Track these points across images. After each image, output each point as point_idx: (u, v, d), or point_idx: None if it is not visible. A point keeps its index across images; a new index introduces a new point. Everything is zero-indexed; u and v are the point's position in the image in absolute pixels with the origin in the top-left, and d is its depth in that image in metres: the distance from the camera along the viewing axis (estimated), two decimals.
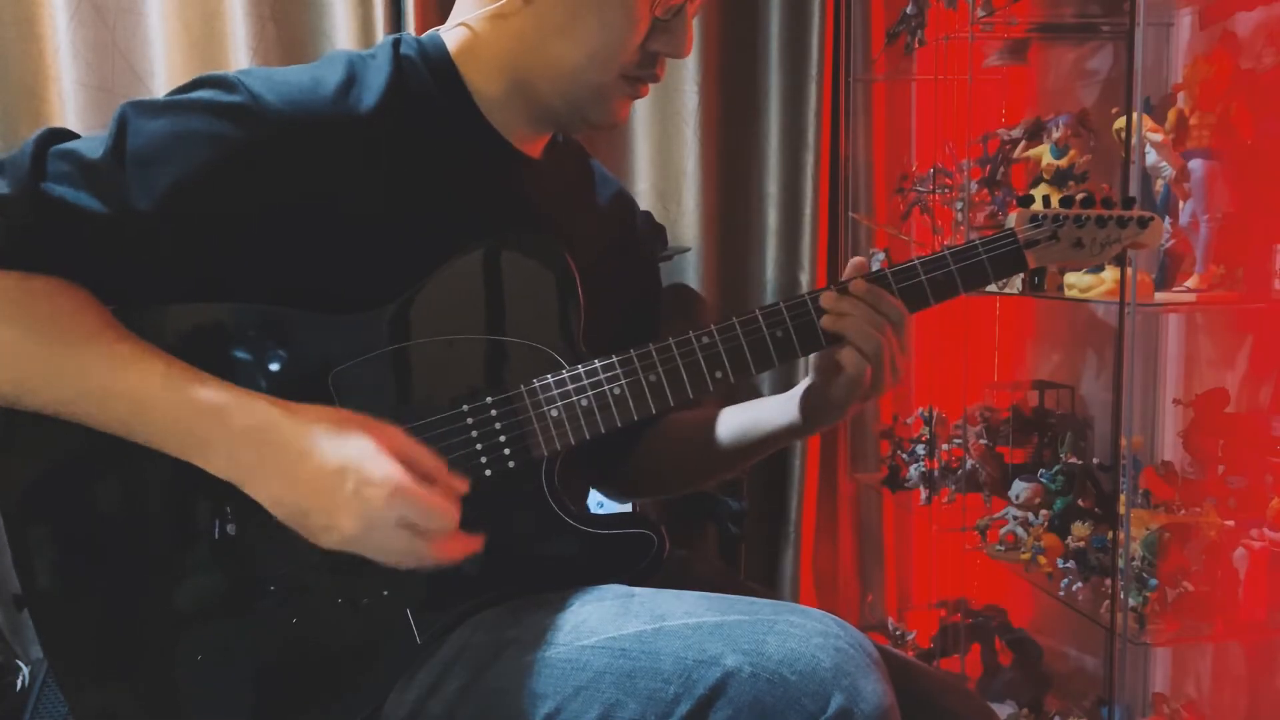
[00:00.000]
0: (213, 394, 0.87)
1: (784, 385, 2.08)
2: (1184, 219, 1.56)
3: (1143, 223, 1.08)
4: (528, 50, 0.98)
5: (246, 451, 0.86)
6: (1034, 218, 1.05)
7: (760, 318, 0.99)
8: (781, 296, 2.35)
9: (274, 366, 0.94)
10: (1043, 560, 1.81)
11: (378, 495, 0.84)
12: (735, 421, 1.14)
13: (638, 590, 0.94)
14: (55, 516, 0.94)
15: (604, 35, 0.96)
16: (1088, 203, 1.06)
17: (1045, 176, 1.82)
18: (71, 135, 0.93)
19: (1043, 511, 1.87)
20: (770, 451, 1.15)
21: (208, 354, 0.91)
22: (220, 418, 0.86)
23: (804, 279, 2.38)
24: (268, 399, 0.88)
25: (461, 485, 0.90)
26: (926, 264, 1.02)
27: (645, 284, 1.24)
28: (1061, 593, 1.72)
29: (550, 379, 0.96)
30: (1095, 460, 1.93)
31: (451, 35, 1.02)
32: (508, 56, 0.99)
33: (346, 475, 0.85)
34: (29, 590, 0.93)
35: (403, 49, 1.00)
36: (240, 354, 0.94)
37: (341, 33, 2.12)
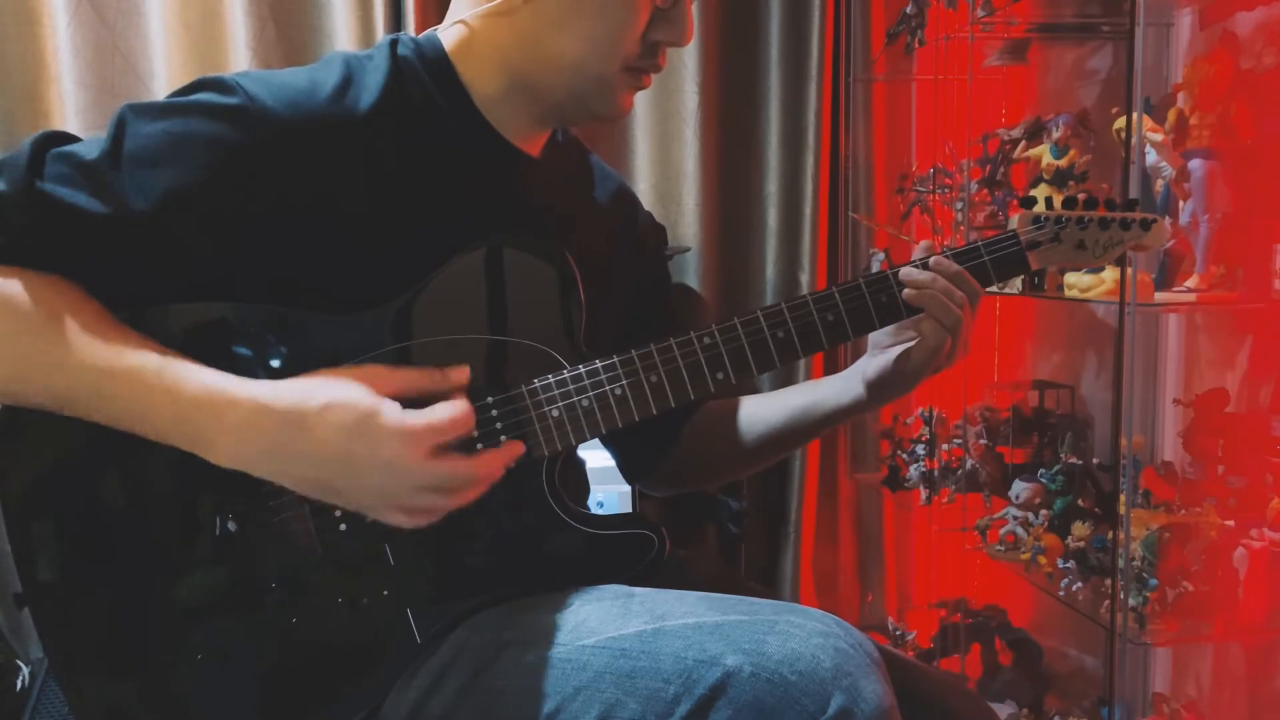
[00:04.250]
0: (209, 385, 0.87)
1: (784, 384, 2.08)
2: (1184, 219, 1.56)
3: (1145, 224, 1.08)
4: (528, 46, 0.98)
5: (248, 438, 0.86)
6: (1036, 219, 1.05)
7: (761, 317, 0.99)
8: (782, 297, 2.37)
9: (272, 367, 0.94)
10: (1043, 560, 1.81)
11: (395, 445, 0.85)
12: (789, 405, 1.15)
13: (638, 590, 0.94)
14: (56, 514, 0.94)
15: (605, 27, 0.96)
16: (1090, 204, 1.06)
17: (1045, 176, 1.82)
18: (70, 138, 0.93)
19: (1043, 511, 1.87)
20: (824, 432, 1.17)
21: (207, 354, 0.91)
22: (218, 408, 0.86)
23: (804, 279, 2.38)
24: (261, 383, 0.88)
25: (460, 376, 0.91)
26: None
27: (651, 278, 1.23)
28: (1061, 593, 1.72)
29: (551, 379, 0.96)
30: (1095, 460, 1.92)
31: (449, 34, 1.02)
32: (507, 53, 0.99)
33: (357, 439, 0.85)
34: (30, 588, 0.94)
35: (400, 49, 1.00)
36: (239, 354, 0.94)
37: (341, 33, 2.12)
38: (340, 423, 0.85)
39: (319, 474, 0.86)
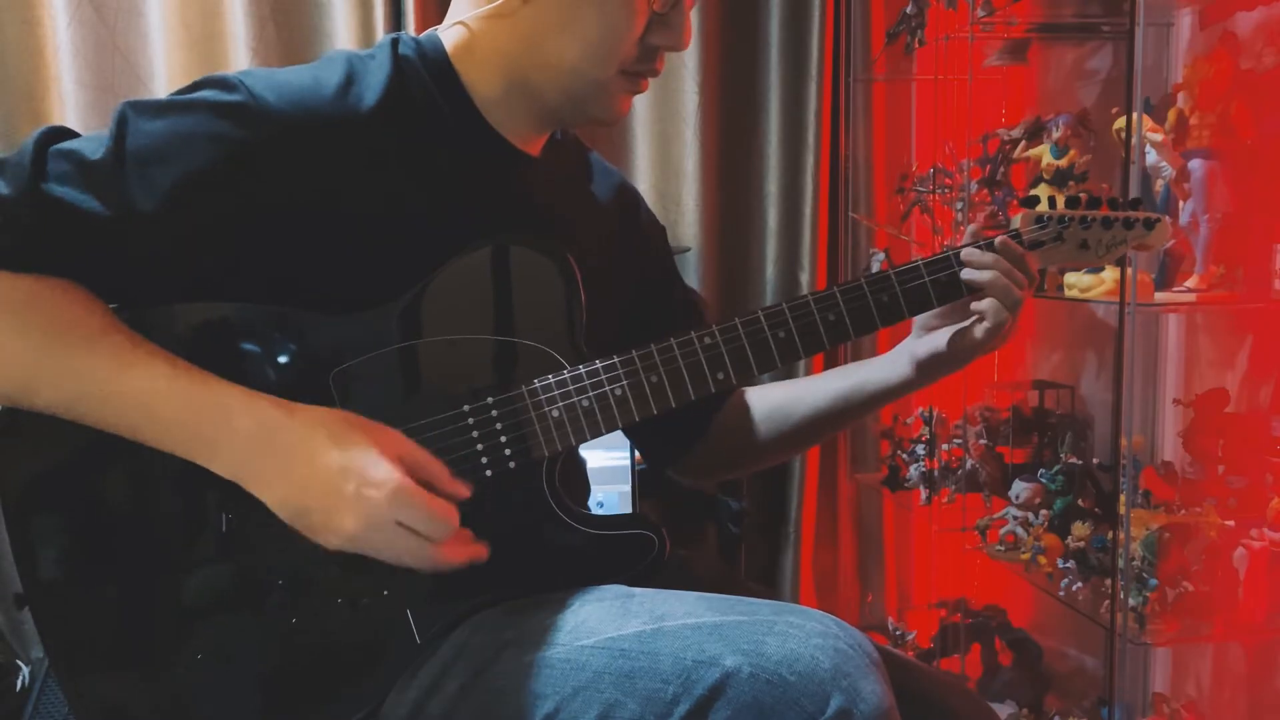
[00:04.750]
0: (217, 394, 0.87)
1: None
2: (1184, 219, 1.56)
3: (1149, 224, 1.07)
4: (527, 48, 0.98)
5: (250, 452, 0.86)
6: (1039, 218, 1.05)
7: (762, 317, 0.99)
8: (782, 296, 2.37)
9: (274, 366, 0.95)
10: (1043, 560, 1.81)
11: (378, 496, 0.85)
12: (834, 387, 1.15)
13: (637, 590, 0.94)
14: (56, 513, 0.94)
15: (603, 31, 0.96)
16: (1093, 203, 1.06)
17: (1045, 176, 1.82)
18: (71, 134, 0.93)
19: (1043, 511, 1.87)
20: (870, 413, 1.18)
21: (209, 353, 0.91)
22: (224, 418, 0.86)
23: (804, 279, 2.38)
24: (271, 400, 0.88)
25: (463, 490, 0.90)
26: (930, 265, 1.02)
27: (655, 276, 1.23)
28: (1061, 593, 1.72)
29: (551, 379, 0.96)
30: (1095, 460, 1.92)
31: (449, 35, 1.02)
32: (506, 55, 0.99)
33: (348, 476, 0.85)
34: (30, 588, 0.94)
35: (401, 49, 1.00)
36: (240, 353, 0.94)
37: (341, 33, 2.12)
38: (340, 456, 0.85)
39: (301, 501, 0.86)
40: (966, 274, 1.02)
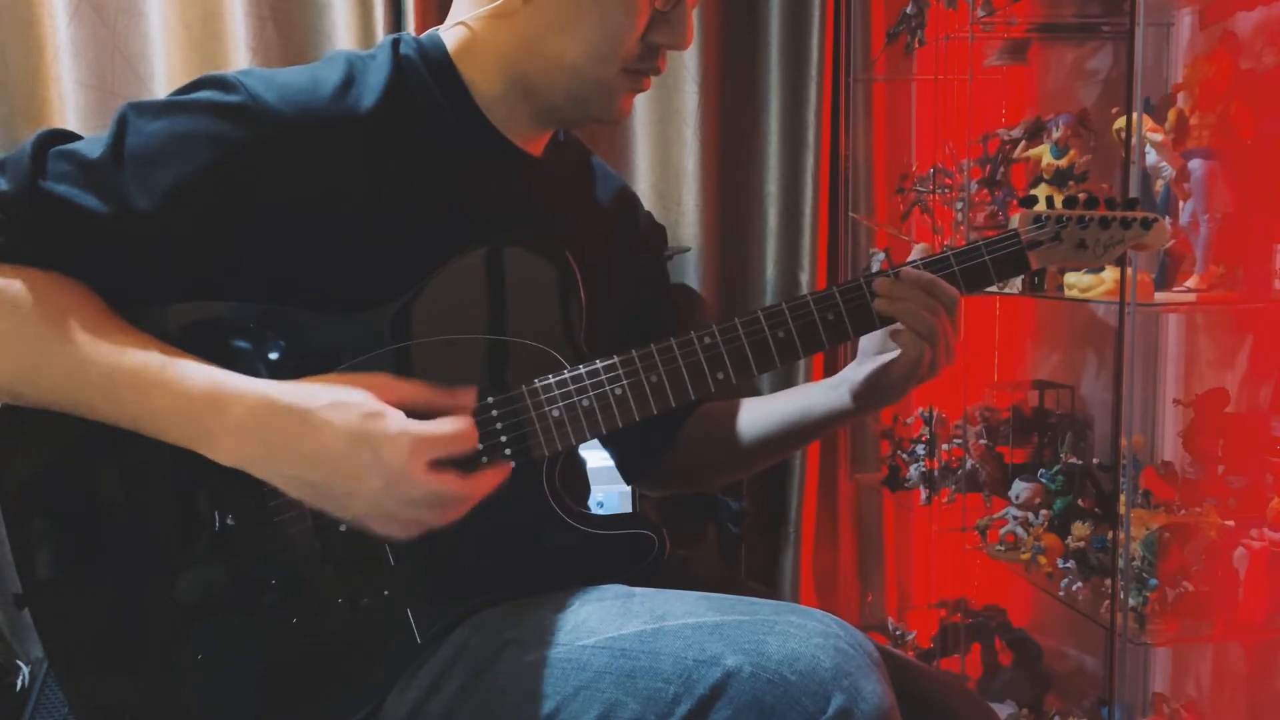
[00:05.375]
0: (214, 383, 0.87)
1: (785, 384, 2.08)
2: (1184, 219, 1.56)
3: (1146, 224, 1.07)
4: (528, 47, 0.98)
5: (252, 437, 0.86)
6: (1037, 218, 1.05)
7: (762, 317, 0.99)
8: (782, 296, 2.37)
9: (273, 366, 0.94)
10: (1043, 560, 1.81)
11: (396, 453, 0.85)
12: (782, 410, 1.15)
13: (638, 590, 0.94)
14: (55, 513, 0.94)
15: (604, 29, 0.96)
16: (1091, 203, 1.06)
17: (1045, 176, 1.82)
18: (72, 136, 0.93)
19: (1043, 511, 1.87)
20: (816, 438, 1.17)
21: (208, 353, 0.91)
22: (222, 407, 0.86)
23: (804, 279, 2.38)
24: (267, 383, 0.88)
25: (467, 397, 0.91)
26: (928, 265, 1.02)
27: (652, 279, 1.24)
28: (1061, 593, 1.72)
29: (551, 379, 0.96)
30: (1095, 460, 1.92)
31: (450, 35, 1.02)
32: (508, 55, 0.99)
33: (360, 442, 0.85)
34: (29, 587, 0.94)
35: (402, 49, 1.00)
36: (239, 353, 0.94)
37: (341, 33, 2.12)
38: (345, 424, 0.85)
39: (317, 477, 0.86)
40: (877, 304, 1.00)
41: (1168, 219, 1.57)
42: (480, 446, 0.94)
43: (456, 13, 1.03)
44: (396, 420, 0.86)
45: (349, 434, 0.85)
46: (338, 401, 0.86)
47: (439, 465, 0.86)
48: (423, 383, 0.91)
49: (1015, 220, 1.05)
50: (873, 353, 1.06)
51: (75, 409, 0.88)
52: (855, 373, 1.07)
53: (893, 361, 1.02)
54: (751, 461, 1.22)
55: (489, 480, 0.90)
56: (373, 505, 0.86)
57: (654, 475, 1.25)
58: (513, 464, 0.93)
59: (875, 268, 2.38)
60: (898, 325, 1.00)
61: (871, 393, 1.06)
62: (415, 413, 0.88)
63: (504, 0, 0.97)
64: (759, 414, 1.17)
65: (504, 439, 0.95)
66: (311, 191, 0.93)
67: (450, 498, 0.87)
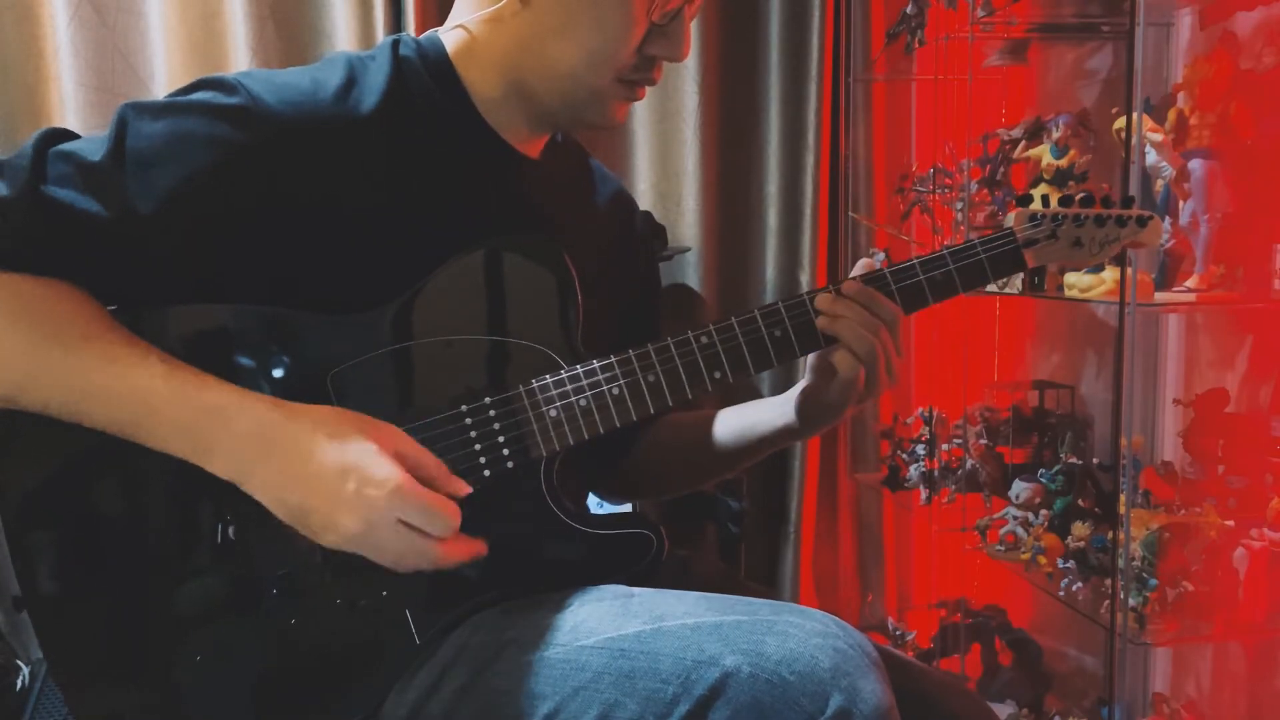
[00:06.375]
0: (215, 395, 0.87)
1: (784, 385, 2.08)
2: (1184, 219, 1.56)
3: (1141, 221, 1.08)
4: (525, 52, 0.98)
5: (248, 452, 0.86)
6: (1033, 217, 1.05)
7: (759, 318, 0.99)
8: (781, 296, 2.36)
9: (273, 367, 0.95)
10: (1043, 560, 1.81)
11: (378, 495, 0.85)
12: (732, 424, 1.15)
13: (637, 590, 0.94)
14: (54, 517, 0.94)
15: (600, 38, 0.96)
16: (1087, 202, 1.06)
17: (1045, 176, 1.82)
18: (71, 135, 0.93)
19: (1043, 511, 1.87)
20: (768, 453, 1.15)
21: (207, 355, 0.91)
22: (222, 419, 0.86)
23: (804, 279, 2.38)
24: (269, 400, 0.88)
25: (462, 488, 0.90)
26: (925, 263, 1.02)
27: (645, 283, 1.24)
28: (1061, 593, 1.72)
29: (549, 379, 0.96)
30: (1095, 460, 1.92)
31: (450, 36, 1.02)
32: (505, 58, 0.99)
33: (348, 475, 0.85)
34: (28, 590, 0.94)
35: (402, 50, 1.00)
36: (239, 355, 0.94)
37: (341, 33, 2.12)
38: (337, 457, 0.85)
39: (301, 502, 0.86)
40: (819, 321, 0.98)
41: (1166, 219, 1.57)
42: (478, 447, 0.94)
43: (456, 14, 1.03)
44: (389, 467, 0.86)
45: (340, 465, 0.85)
46: (341, 434, 0.86)
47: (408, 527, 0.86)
48: (429, 456, 0.90)
49: (1011, 218, 1.05)
50: (817, 368, 1.04)
51: (73, 417, 0.88)
52: (802, 390, 1.06)
53: (831, 381, 1.01)
54: (703, 474, 1.22)
55: (460, 550, 0.89)
56: (346, 540, 0.86)
57: (610, 484, 1.25)
58: (483, 545, 0.91)
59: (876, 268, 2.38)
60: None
61: (812, 411, 1.05)
62: (415, 474, 0.88)
63: (502, 4, 0.97)
64: (714, 427, 1.16)
65: (502, 439, 0.95)
66: (312, 192, 0.93)
67: (413, 557, 0.87)
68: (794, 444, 1.88)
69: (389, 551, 0.87)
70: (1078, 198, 1.06)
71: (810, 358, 1.03)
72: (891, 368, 0.99)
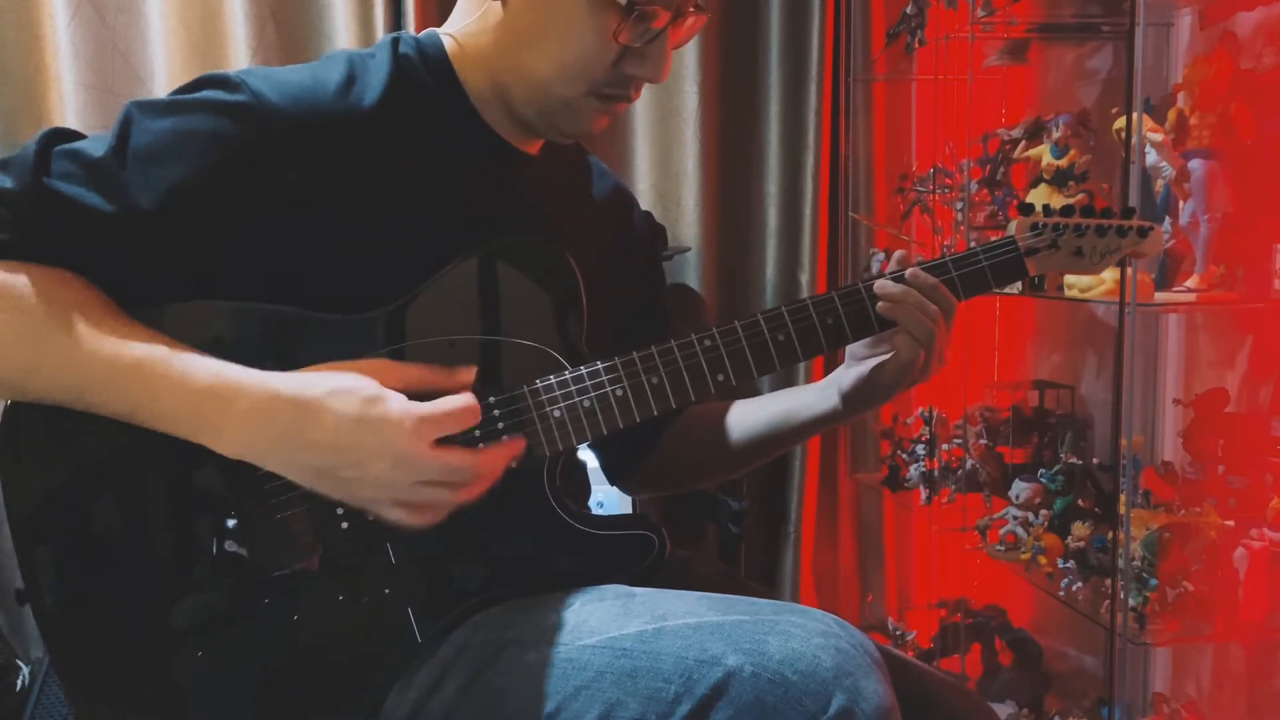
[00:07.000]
0: (217, 377, 0.87)
1: (784, 385, 2.08)
2: (1184, 219, 1.56)
3: (1143, 232, 1.08)
4: (504, 57, 0.99)
5: (255, 429, 0.86)
6: (1034, 226, 1.05)
7: (762, 320, 0.99)
8: (781, 297, 2.37)
9: (274, 366, 0.94)
10: (1043, 560, 1.81)
11: (401, 434, 0.85)
12: (769, 412, 1.15)
13: (638, 590, 0.94)
14: (57, 515, 0.94)
15: (572, 52, 0.96)
16: (1087, 210, 1.06)
17: (1045, 176, 1.82)
18: (75, 135, 0.93)
19: (1043, 511, 1.87)
20: (803, 440, 1.17)
21: (208, 353, 0.91)
22: (225, 399, 0.87)
23: (804, 279, 2.38)
24: (266, 375, 0.88)
25: (467, 375, 0.91)
26: (926, 270, 1.02)
27: (646, 280, 1.24)
28: (1061, 593, 1.72)
29: (553, 379, 0.96)
30: (1095, 460, 1.93)
31: (448, 35, 1.03)
32: (490, 62, 1.01)
33: (363, 427, 0.85)
34: (31, 587, 0.93)
35: (401, 48, 1.01)
36: (240, 353, 0.94)
37: (341, 33, 2.12)
38: (347, 410, 0.85)
39: (324, 463, 0.86)
40: (880, 307, 1.00)
41: (1166, 219, 1.57)
42: (479, 434, 0.94)
43: (457, 14, 1.04)
44: (398, 402, 0.86)
45: (352, 419, 0.85)
46: (339, 389, 0.86)
47: (446, 443, 0.87)
48: (421, 364, 0.91)
49: (1012, 226, 1.05)
50: (860, 356, 1.06)
51: (80, 404, 0.88)
52: (844, 375, 1.08)
53: (885, 363, 1.03)
54: (736, 464, 1.22)
55: (501, 455, 0.91)
56: (382, 489, 0.87)
57: (637, 476, 1.26)
58: (524, 441, 0.93)
59: (875, 268, 2.38)
60: (894, 328, 1.00)
61: (861, 395, 1.07)
62: (416, 394, 0.88)
63: (486, 8, 0.98)
64: (744, 417, 1.18)
65: (504, 439, 0.95)
66: (314, 189, 0.93)
67: (461, 474, 0.88)
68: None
69: (433, 485, 0.87)
70: (1078, 202, 1.06)
71: (852, 345, 1.05)
72: (943, 353, 1.02)
